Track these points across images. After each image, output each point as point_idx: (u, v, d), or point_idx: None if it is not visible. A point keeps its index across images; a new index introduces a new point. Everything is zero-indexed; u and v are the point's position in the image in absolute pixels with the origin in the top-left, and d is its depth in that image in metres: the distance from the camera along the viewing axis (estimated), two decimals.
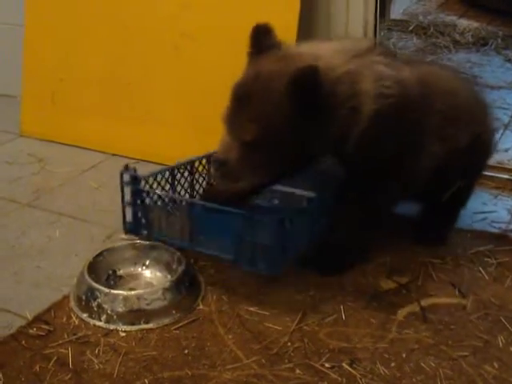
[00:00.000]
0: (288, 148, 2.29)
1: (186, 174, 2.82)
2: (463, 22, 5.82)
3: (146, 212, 2.59)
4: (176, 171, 2.78)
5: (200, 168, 2.86)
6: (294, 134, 2.26)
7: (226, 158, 2.33)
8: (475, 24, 5.77)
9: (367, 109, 2.32)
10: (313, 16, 3.27)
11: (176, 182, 2.78)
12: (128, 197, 2.59)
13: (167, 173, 2.74)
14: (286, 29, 3.04)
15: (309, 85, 2.18)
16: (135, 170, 2.59)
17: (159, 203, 2.60)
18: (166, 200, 2.62)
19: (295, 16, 3.05)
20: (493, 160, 3.39)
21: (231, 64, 3.15)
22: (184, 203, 2.58)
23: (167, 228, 2.56)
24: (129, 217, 2.62)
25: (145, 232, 2.61)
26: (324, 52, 2.35)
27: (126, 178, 2.58)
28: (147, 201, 2.58)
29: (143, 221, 2.60)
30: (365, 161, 2.41)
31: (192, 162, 2.84)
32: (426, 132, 2.49)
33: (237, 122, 2.31)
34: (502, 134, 3.76)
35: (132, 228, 2.63)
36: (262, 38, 2.39)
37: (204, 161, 2.88)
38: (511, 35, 5.49)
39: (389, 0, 5.79)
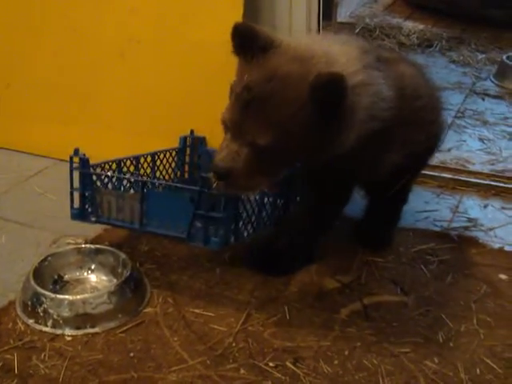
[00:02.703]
0: (301, 153, 2.24)
1: (132, 168, 2.84)
2: (409, 24, 5.88)
3: (95, 196, 2.57)
4: (122, 164, 2.80)
5: (145, 165, 2.88)
6: (311, 139, 2.18)
7: (231, 166, 2.19)
8: (420, 26, 5.84)
9: (360, 127, 2.26)
10: (256, 20, 3.29)
11: (122, 175, 2.77)
12: (77, 182, 2.59)
13: (114, 164, 2.75)
14: (229, 32, 3.07)
15: (336, 92, 2.08)
16: (84, 155, 2.58)
17: (107, 186, 2.60)
18: (116, 182, 2.63)
19: (239, 20, 3.06)
20: (435, 159, 3.46)
21: (178, 69, 3.21)
22: (137, 184, 2.57)
23: (117, 211, 2.55)
24: (76, 203, 2.61)
25: (93, 218, 2.60)
26: (337, 57, 2.24)
27: (75, 161, 2.58)
28: (95, 185, 2.57)
29: (91, 205, 2.59)
30: (343, 170, 2.41)
31: (138, 158, 2.86)
32: (390, 142, 2.47)
33: (250, 126, 2.18)
34: (445, 135, 3.80)
35: (79, 214, 2.61)
36: (250, 39, 2.25)
37: (149, 158, 2.90)
38: (455, 37, 5.57)
39: (335, 3, 5.85)
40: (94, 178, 2.58)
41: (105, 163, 2.72)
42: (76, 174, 2.60)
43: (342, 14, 6.02)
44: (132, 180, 2.66)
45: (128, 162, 2.83)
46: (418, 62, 3.81)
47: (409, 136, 2.52)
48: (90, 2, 3.42)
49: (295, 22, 3.31)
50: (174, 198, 2.49)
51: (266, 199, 2.58)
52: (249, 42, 2.24)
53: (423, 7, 6.20)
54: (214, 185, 2.28)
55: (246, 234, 2.52)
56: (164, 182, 2.52)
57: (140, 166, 2.87)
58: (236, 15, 3.07)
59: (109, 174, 2.63)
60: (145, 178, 2.78)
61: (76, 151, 2.60)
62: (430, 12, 6.10)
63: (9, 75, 3.66)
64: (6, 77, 3.66)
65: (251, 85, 2.17)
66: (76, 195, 2.61)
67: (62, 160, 3.47)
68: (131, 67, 3.37)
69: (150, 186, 2.54)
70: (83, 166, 2.57)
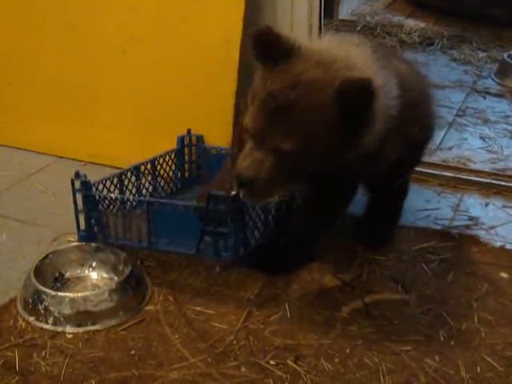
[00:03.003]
0: (325, 157, 2.21)
1: (134, 179, 2.84)
2: (410, 23, 5.89)
3: (100, 218, 2.58)
4: (123, 176, 2.80)
5: (146, 173, 2.88)
6: (335, 144, 2.17)
7: (255, 175, 2.17)
8: (421, 24, 5.84)
9: (376, 129, 2.24)
10: (258, 19, 3.29)
11: (124, 188, 2.80)
12: (80, 204, 2.59)
13: (115, 178, 2.76)
14: (230, 31, 3.08)
15: (363, 98, 2.08)
16: (86, 177, 2.58)
17: (112, 208, 2.61)
18: (120, 203, 2.64)
19: (240, 20, 3.06)
20: (436, 158, 3.48)
21: (178, 67, 3.21)
22: (142, 204, 2.57)
23: (124, 231, 2.57)
24: (82, 225, 2.61)
25: (100, 238, 2.61)
26: (355, 58, 2.24)
27: (77, 184, 2.57)
28: (100, 206, 2.58)
29: (97, 227, 2.60)
30: (351, 170, 2.39)
31: (138, 168, 2.85)
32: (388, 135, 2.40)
33: (274, 132, 2.16)
34: (446, 133, 3.83)
35: (86, 236, 2.62)
36: (272, 46, 2.21)
37: (149, 165, 2.90)
38: (456, 35, 5.58)
39: (337, 1, 5.85)
40: (98, 199, 2.58)
41: (107, 179, 2.71)
42: (79, 196, 2.59)
43: (344, 12, 6.03)
44: (137, 200, 2.67)
45: (129, 174, 2.83)
46: (407, 57, 3.87)
47: (406, 130, 2.51)
48: (91, 0, 3.42)
49: (296, 19, 3.31)
50: (180, 215, 2.48)
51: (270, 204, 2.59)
52: (271, 48, 2.21)
53: (424, 5, 6.19)
54: (235, 192, 2.28)
55: (253, 241, 2.53)
56: (169, 200, 2.51)
57: (141, 175, 2.87)
58: (237, 13, 3.07)
59: (112, 196, 2.64)
60: (150, 198, 2.78)
61: (77, 174, 2.58)
62: (432, 10, 6.10)
63: (10, 73, 3.67)
64: (7, 75, 3.67)
65: (276, 92, 2.16)
66: (81, 217, 2.61)
67: (62, 157, 3.48)
68: (131, 65, 3.37)
69: (156, 205, 2.53)
70: (85, 189, 2.56)
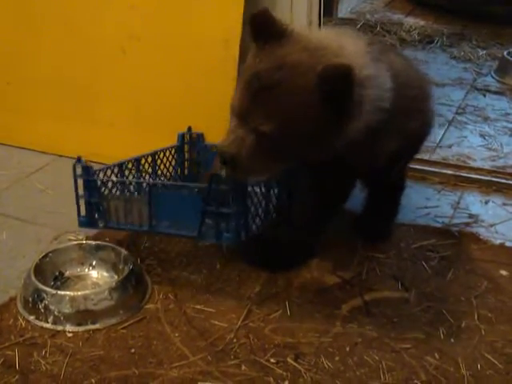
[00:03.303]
0: (306, 143, 2.23)
1: (134, 171, 2.84)
2: (409, 21, 5.89)
3: (101, 202, 2.57)
4: (124, 167, 2.79)
5: (146, 166, 2.88)
6: (316, 129, 2.20)
7: (237, 152, 2.21)
8: (421, 22, 5.84)
9: (364, 118, 2.26)
10: None
11: (124, 178, 2.79)
12: (81, 190, 2.58)
13: (116, 168, 2.75)
14: (230, 29, 3.08)
15: (343, 84, 2.10)
16: (87, 162, 2.58)
17: (113, 192, 2.60)
18: (121, 187, 2.63)
19: (239, 17, 3.06)
20: (436, 156, 3.48)
21: (178, 66, 3.20)
22: (144, 185, 2.58)
23: (125, 215, 2.56)
24: (83, 211, 2.61)
25: (101, 224, 2.61)
26: (346, 47, 2.26)
27: (79, 170, 2.57)
28: (102, 190, 2.57)
29: (98, 212, 2.59)
30: (346, 161, 2.39)
31: (138, 160, 2.85)
32: (386, 131, 2.43)
33: (256, 112, 2.20)
34: (445, 130, 3.83)
35: (87, 221, 2.62)
36: (266, 26, 2.26)
37: (150, 158, 2.90)
38: (456, 33, 5.58)
39: None
40: (99, 184, 2.59)
41: (107, 168, 2.71)
42: (80, 182, 2.59)
43: (343, 10, 6.03)
44: (138, 183, 2.67)
45: (130, 165, 2.83)
46: (407, 55, 3.87)
47: (404, 125, 2.52)
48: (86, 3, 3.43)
49: (296, 17, 3.31)
50: (181, 197, 2.48)
51: (271, 191, 2.59)
52: (265, 28, 2.25)
53: (424, 3, 6.19)
54: (221, 170, 2.30)
55: (254, 227, 2.52)
56: (170, 182, 2.52)
57: (141, 167, 2.87)
58: (237, 11, 3.07)
59: (113, 179, 2.64)
60: (151, 180, 2.77)
61: (79, 159, 2.58)
62: (431, 8, 6.10)
63: (9, 72, 3.66)
64: (6, 74, 3.67)
65: (261, 72, 2.20)
66: (82, 203, 2.61)
67: (62, 156, 3.49)
68: (131, 64, 3.37)
69: (157, 187, 2.53)
70: (87, 174, 2.57)
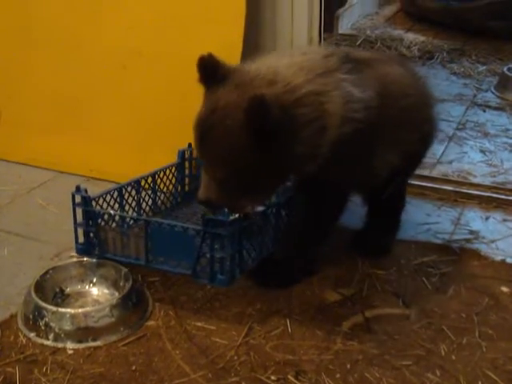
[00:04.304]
0: (261, 176, 2.29)
1: (134, 192, 2.85)
2: (410, 36, 5.91)
3: (99, 233, 2.59)
4: (124, 190, 2.81)
5: (146, 187, 2.89)
6: (261, 162, 2.24)
7: (207, 198, 2.37)
8: (421, 38, 5.86)
9: (334, 131, 2.30)
10: (258, 33, 3.31)
11: (124, 201, 2.81)
12: (80, 218, 2.61)
13: (115, 192, 2.77)
14: (231, 46, 3.09)
15: (259, 115, 2.13)
16: (86, 191, 2.60)
17: (111, 223, 2.62)
18: (119, 219, 2.66)
19: (240, 36, 3.08)
20: (437, 171, 3.48)
21: (178, 82, 3.21)
22: (141, 221, 2.58)
23: (122, 248, 2.58)
24: (81, 238, 2.63)
25: (98, 253, 2.61)
26: (284, 72, 2.30)
27: (78, 199, 2.59)
28: (99, 221, 2.59)
29: (95, 241, 2.61)
30: (323, 178, 2.42)
31: (138, 181, 2.86)
32: (379, 142, 2.48)
33: (206, 160, 2.33)
34: (446, 147, 3.83)
35: (84, 249, 2.64)
36: (211, 70, 2.34)
37: (150, 179, 2.91)
38: (456, 49, 5.59)
39: (337, 15, 5.87)
40: (97, 215, 2.60)
41: (106, 193, 2.72)
42: (79, 210, 2.61)
43: (344, 26, 6.05)
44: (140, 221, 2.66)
45: (129, 188, 2.84)
46: (407, 61, 3.87)
47: (401, 135, 2.53)
48: (92, 15, 3.44)
49: (296, 34, 3.33)
50: (178, 236, 2.48)
51: (268, 223, 2.61)
52: (209, 72, 2.33)
53: (424, 19, 6.21)
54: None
55: (250, 261, 2.55)
56: (168, 221, 2.54)
57: (141, 189, 2.88)
58: (237, 29, 3.08)
59: (111, 212, 2.64)
60: (148, 218, 2.77)
61: (78, 188, 2.60)
62: (431, 24, 6.12)
63: (10, 88, 3.68)
64: (7, 89, 3.68)
65: (200, 119, 2.31)
66: (80, 230, 2.63)
67: (63, 172, 3.49)
68: (132, 80, 3.38)
69: (154, 223, 2.53)
70: (85, 204, 2.58)
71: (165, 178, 3.00)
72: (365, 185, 2.65)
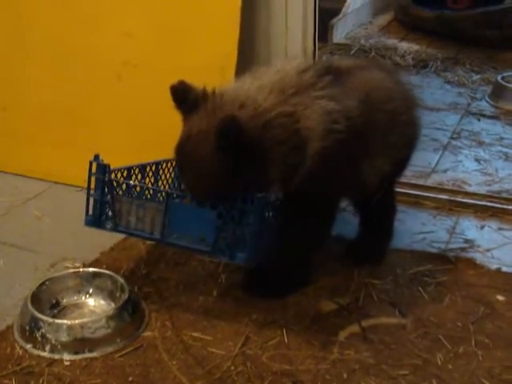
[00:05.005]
0: (236, 195, 2.33)
1: (140, 176, 2.79)
2: (404, 45, 5.91)
3: (114, 204, 2.50)
4: (132, 171, 2.74)
5: (150, 174, 2.85)
6: (237, 185, 2.30)
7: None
8: (415, 47, 5.87)
9: (314, 146, 2.33)
10: (253, 43, 3.32)
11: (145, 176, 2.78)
12: (94, 187, 2.53)
13: (125, 171, 2.69)
14: (226, 57, 3.10)
15: (230, 134, 2.19)
16: (103, 161, 2.54)
17: (128, 195, 2.55)
18: (138, 192, 2.60)
19: (235, 46, 3.09)
20: (432, 181, 3.49)
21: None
22: (162, 193, 2.55)
23: (136, 221, 2.49)
24: (91, 210, 2.55)
25: (109, 224, 2.53)
26: (254, 95, 2.34)
27: (94, 167, 2.52)
28: (117, 190, 2.52)
29: (109, 213, 2.52)
30: (313, 191, 2.43)
31: (144, 166, 2.82)
32: (368, 149, 2.49)
33: (187, 185, 2.40)
34: (441, 156, 3.84)
35: (93, 221, 2.54)
36: (181, 96, 2.39)
37: (154, 167, 2.88)
38: (450, 58, 5.59)
39: (331, 25, 5.89)
40: (114, 184, 2.53)
41: (118, 170, 2.64)
42: (94, 178, 2.53)
43: (338, 36, 6.06)
44: (155, 190, 2.64)
45: (137, 170, 2.78)
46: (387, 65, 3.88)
47: (390, 140, 2.54)
48: (86, 26, 3.44)
49: (291, 44, 3.34)
50: (197, 211, 2.41)
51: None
52: (181, 98, 2.38)
53: (418, 28, 6.23)
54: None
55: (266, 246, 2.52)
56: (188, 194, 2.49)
57: (146, 174, 2.84)
58: (232, 39, 3.09)
59: (131, 182, 2.60)
60: (169, 190, 2.73)
61: (96, 157, 2.54)
62: (425, 33, 6.13)
63: (5, 99, 3.68)
64: (2, 100, 3.68)
65: (177, 146, 2.37)
66: (91, 202, 2.54)
67: (58, 183, 3.49)
68: (127, 91, 3.38)
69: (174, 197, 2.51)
70: (102, 172, 2.51)
71: (166, 169, 2.94)
72: (355, 193, 2.66)
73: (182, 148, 2.36)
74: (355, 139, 2.39)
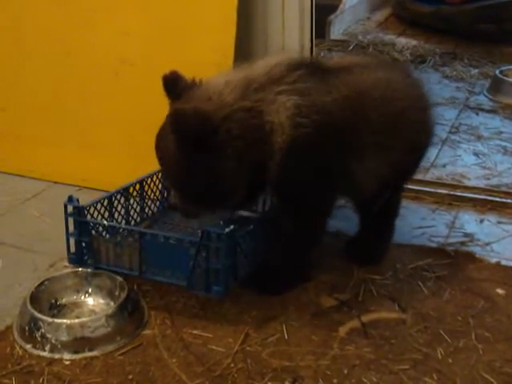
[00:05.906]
0: (206, 187, 2.38)
1: (123, 200, 2.86)
2: (401, 41, 5.91)
3: (92, 243, 2.58)
4: (113, 198, 2.81)
5: (134, 194, 2.90)
6: (197, 175, 2.35)
7: (174, 203, 2.53)
8: (413, 42, 5.87)
9: (279, 140, 2.34)
10: (250, 40, 3.31)
11: (114, 209, 2.81)
12: (72, 228, 2.60)
13: (105, 200, 2.77)
14: (223, 54, 3.09)
15: (180, 125, 2.28)
16: (78, 201, 2.59)
17: (104, 233, 2.61)
18: (113, 230, 2.63)
19: (232, 43, 3.09)
20: (431, 175, 3.49)
21: None
22: (135, 233, 2.56)
23: (115, 258, 2.57)
24: (73, 248, 2.62)
25: (91, 263, 2.60)
26: (221, 89, 2.37)
27: (70, 209, 2.58)
28: (93, 232, 2.58)
29: (89, 252, 2.59)
30: (288, 187, 2.45)
31: (127, 189, 2.87)
32: (356, 149, 2.46)
33: (164, 176, 2.55)
34: (439, 150, 3.83)
35: (76, 259, 2.62)
36: (171, 85, 2.45)
37: (138, 186, 2.92)
38: (448, 52, 5.60)
39: (328, 21, 5.88)
40: (90, 225, 2.59)
41: (97, 202, 2.71)
42: (71, 220, 2.60)
43: (336, 32, 6.06)
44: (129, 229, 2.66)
45: (119, 196, 2.84)
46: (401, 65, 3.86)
47: (388, 143, 2.50)
48: (83, 25, 3.44)
49: (288, 41, 3.33)
50: (172, 247, 2.47)
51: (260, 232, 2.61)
52: (170, 87, 2.46)
53: (416, 24, 6.22)
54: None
55: (244, 270, 2.55)
56: (162, 232, 2.55)
57: (129, 196, 2.88)
58: (229, 36, 3.09)
59: (105, 222, 2.64)
60: (143, 229, 2.74)
61: (70, 198, 2.59)
62: (423, 28, 6.13)
63: (3, 99, 3.68)
64: (0, 101, 3.67)
65: (156, 136, 2.46)
66: (72, 240, 2.62)
67: (57, 182, 3.48)
68: (124, 90, 3.38)
69: (147, 235, 2.53)
70: (78, 214, 2.57)
71: (152, 184, 3.00)
72: (350, 193, 2.65)
73: (157, 135, 2.46)
74: (330, 134, 2.38)
